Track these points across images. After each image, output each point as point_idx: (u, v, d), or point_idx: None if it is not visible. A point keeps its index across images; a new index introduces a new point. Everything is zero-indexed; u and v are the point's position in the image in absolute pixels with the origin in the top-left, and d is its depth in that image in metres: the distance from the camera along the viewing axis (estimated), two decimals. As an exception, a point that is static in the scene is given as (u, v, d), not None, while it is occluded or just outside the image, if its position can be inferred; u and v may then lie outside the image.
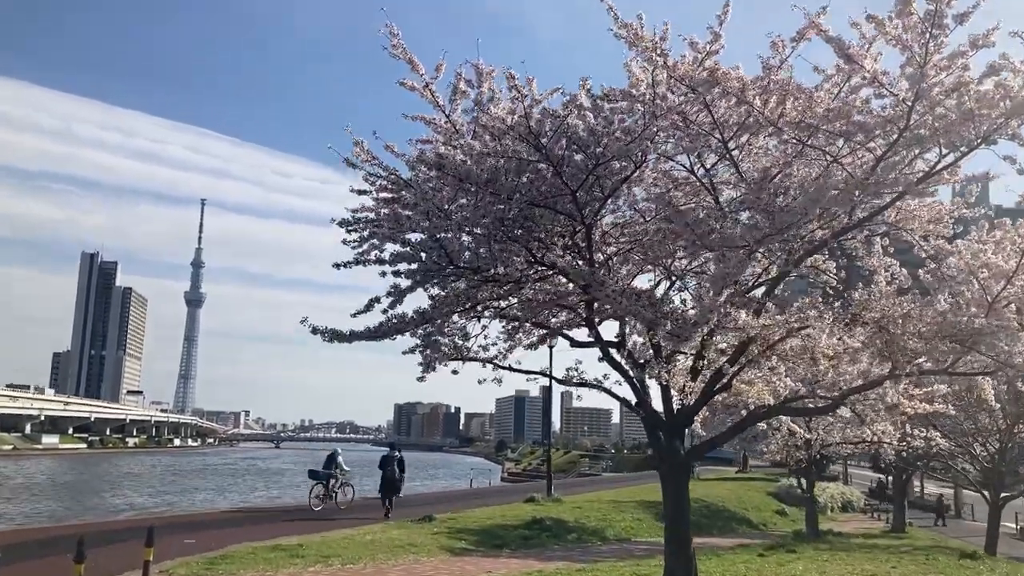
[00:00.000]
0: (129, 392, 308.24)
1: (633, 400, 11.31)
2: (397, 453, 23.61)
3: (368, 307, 9.49)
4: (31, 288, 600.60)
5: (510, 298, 10.09)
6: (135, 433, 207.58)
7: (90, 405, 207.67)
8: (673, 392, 11.26)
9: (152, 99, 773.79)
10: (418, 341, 10.02)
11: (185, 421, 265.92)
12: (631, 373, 10.65)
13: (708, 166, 9.77)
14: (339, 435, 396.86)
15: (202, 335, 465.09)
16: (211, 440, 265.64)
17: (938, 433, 19.50)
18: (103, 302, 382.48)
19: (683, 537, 10.90)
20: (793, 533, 24.39)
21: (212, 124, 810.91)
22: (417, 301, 9.63)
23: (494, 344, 11.23)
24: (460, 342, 10.46)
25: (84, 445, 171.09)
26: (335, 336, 9.08)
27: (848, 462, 64.14)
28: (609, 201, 9.13)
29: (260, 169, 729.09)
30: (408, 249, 8.91)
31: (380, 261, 9.25)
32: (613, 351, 11.53)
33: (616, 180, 8.64)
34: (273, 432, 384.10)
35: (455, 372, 10.75)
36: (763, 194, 8.12)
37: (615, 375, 11.41)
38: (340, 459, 24.70)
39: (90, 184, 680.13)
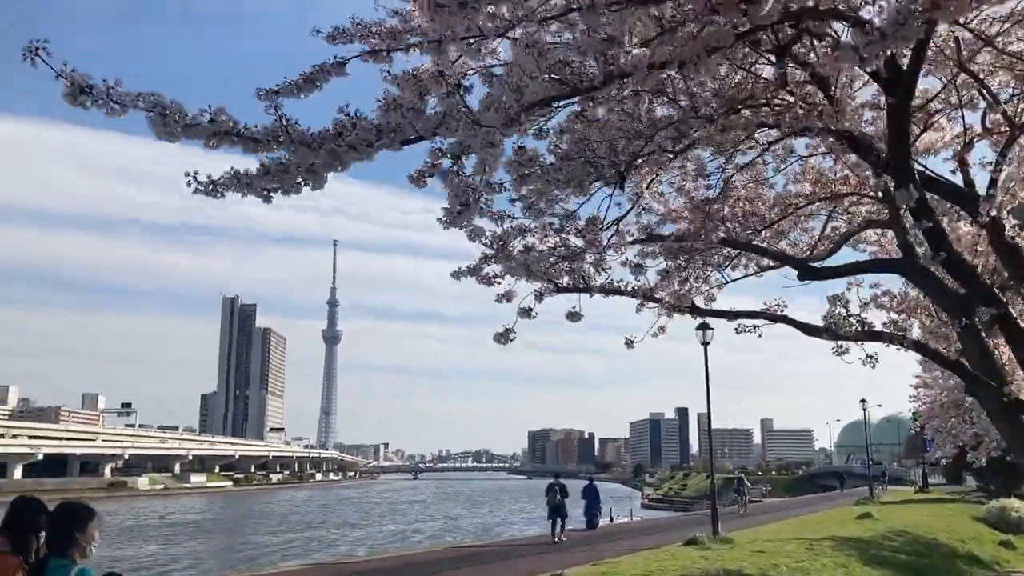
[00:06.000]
0: (272, 429, 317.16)
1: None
2: (561, 481, 25.80)
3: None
4: (177, 334, 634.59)
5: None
6: (278, 469, 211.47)
7: (234, 444, 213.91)
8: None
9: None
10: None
11: (326, 456, 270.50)
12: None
13: None
14: (476, 464, 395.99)
15: (339, 371, 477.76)
16: (351, 473, 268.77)
17: None
18: (244, 344, 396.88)
19: None
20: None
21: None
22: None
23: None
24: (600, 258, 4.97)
25: (230, 483, 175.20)
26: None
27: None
28: None
29: (373, 205, 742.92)
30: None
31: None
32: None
33: None
34: (412, 463, 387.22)
35: (573, 316, 5.29)
36: None
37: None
38: (746, 481, 43.11)
39: (217, 231, 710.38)
